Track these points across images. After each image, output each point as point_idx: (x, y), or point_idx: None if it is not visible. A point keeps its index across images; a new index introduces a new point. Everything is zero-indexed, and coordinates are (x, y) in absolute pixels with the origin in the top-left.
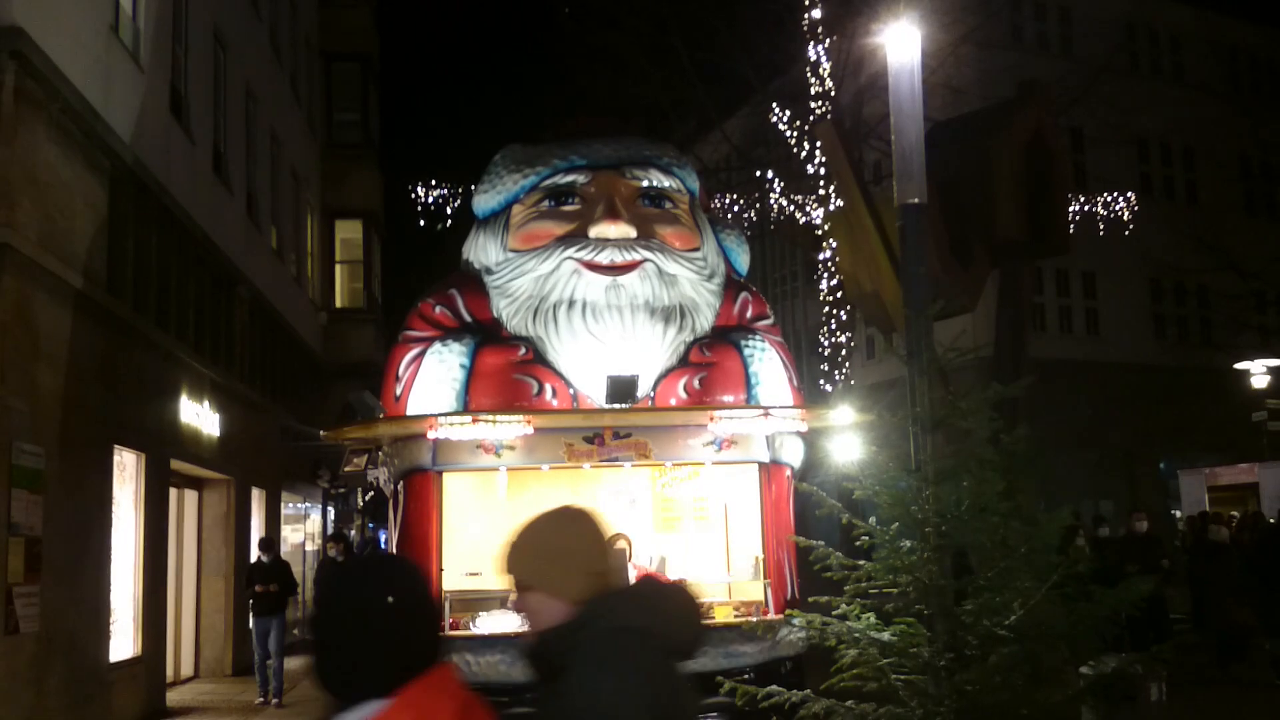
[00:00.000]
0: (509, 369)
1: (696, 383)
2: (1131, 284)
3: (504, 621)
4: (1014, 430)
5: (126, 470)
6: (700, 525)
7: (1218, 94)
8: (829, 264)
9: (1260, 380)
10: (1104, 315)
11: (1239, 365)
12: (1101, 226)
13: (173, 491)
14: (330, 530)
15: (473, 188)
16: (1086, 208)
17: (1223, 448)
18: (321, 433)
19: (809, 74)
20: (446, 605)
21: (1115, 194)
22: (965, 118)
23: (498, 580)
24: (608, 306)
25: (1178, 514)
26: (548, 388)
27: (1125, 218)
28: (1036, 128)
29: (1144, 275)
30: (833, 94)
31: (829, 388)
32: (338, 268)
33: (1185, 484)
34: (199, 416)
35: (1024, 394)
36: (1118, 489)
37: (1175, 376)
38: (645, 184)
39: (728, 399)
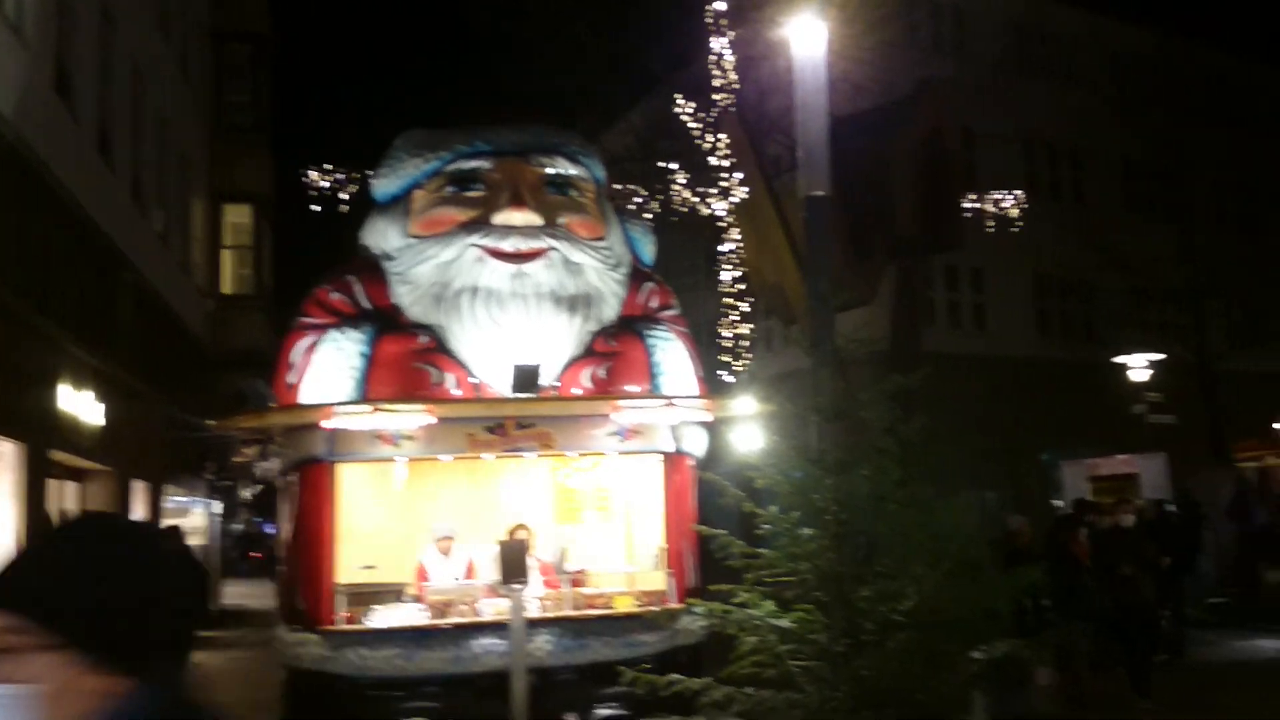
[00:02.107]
0: (409, 357)
1: (601, 373)
2: (1018, 280)
3: (399, 615)
4: (910, 421)
5: (4, 460)
6: (602, 516)
7: (1104, 96)
8: (731, 256)
9: (1140, 374)
10: (991, 310)
11: (1119, 359)
12: (990, 224)
13: (52, 483)
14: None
15: (370, 174)
16: (976, 205)
17: (1104, 440)
18: (210, 422)
19: (712, 66)
20: (341, 599)
21: (1004, 192)
22: (865, 114)
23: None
24: (512, 295)
25: (1059, 504)
26: (449, 377)
27: (1013, 216)
28: (933, 125)
29: (1030, 272)
30: (737, 87)
31: (731, 379)
32: (226, 253)
33: (1067, 475)
34: (80, 406)
35: (920, 386)
36: (1002, 480)
37: (1059, 370)
38: (551, 171)
39: (632, 389)
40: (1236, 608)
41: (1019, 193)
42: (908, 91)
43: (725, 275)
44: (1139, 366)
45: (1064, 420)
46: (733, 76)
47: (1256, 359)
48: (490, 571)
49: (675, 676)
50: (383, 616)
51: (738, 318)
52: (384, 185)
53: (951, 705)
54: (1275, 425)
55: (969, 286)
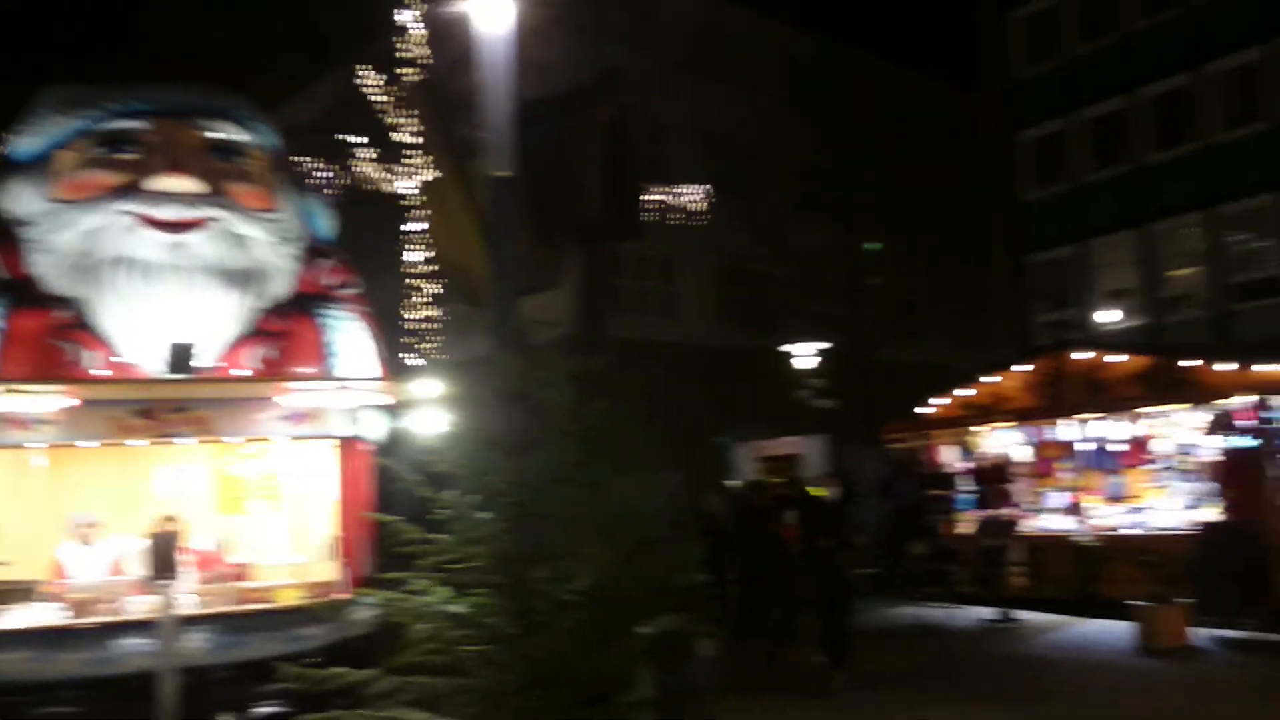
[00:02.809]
0: (46, 333)
1: (268, 353)
2: (702, 271)
3: (33, 615)
4: (592, 403)
5: None
6: (270, 505)
7: (779, 98)
8: (418, 237)
9: (806, 361)
10: (678, 299)
11: (788, 347)
12: (678, 216)
13: None
14: None
15: (8, 132)
16: (665, 197)
17: (775, 423)
18: None
19: (400, 40)
20: None
21: (690, 186)
22: (552, 98)
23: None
24: (166, 267)
25: (733, 484)
26: (92, 355)
27: (697, 209)
28: (617, 114)
29: (713, 263)
30: (426, 62)
31: (419, 362)
32: None
33: (739, 456)
34: None
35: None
36: (684, 461)
37: (739, 358)
38: (216, 136)
39: (303, 370)
40: (886, 578)
41: (705, 187)
42: (594, 78)
43: (412, 256)
44: (805, 355)
45: (742, 404)
46: (423, 52)
47: (906, 349)
48: (139, 567)
49: (339, 669)
50: (16, 617)
51: (426, 300)
52: (24, 144)
53: (619, 681)
54: (919, 410)
55: (658, 276)
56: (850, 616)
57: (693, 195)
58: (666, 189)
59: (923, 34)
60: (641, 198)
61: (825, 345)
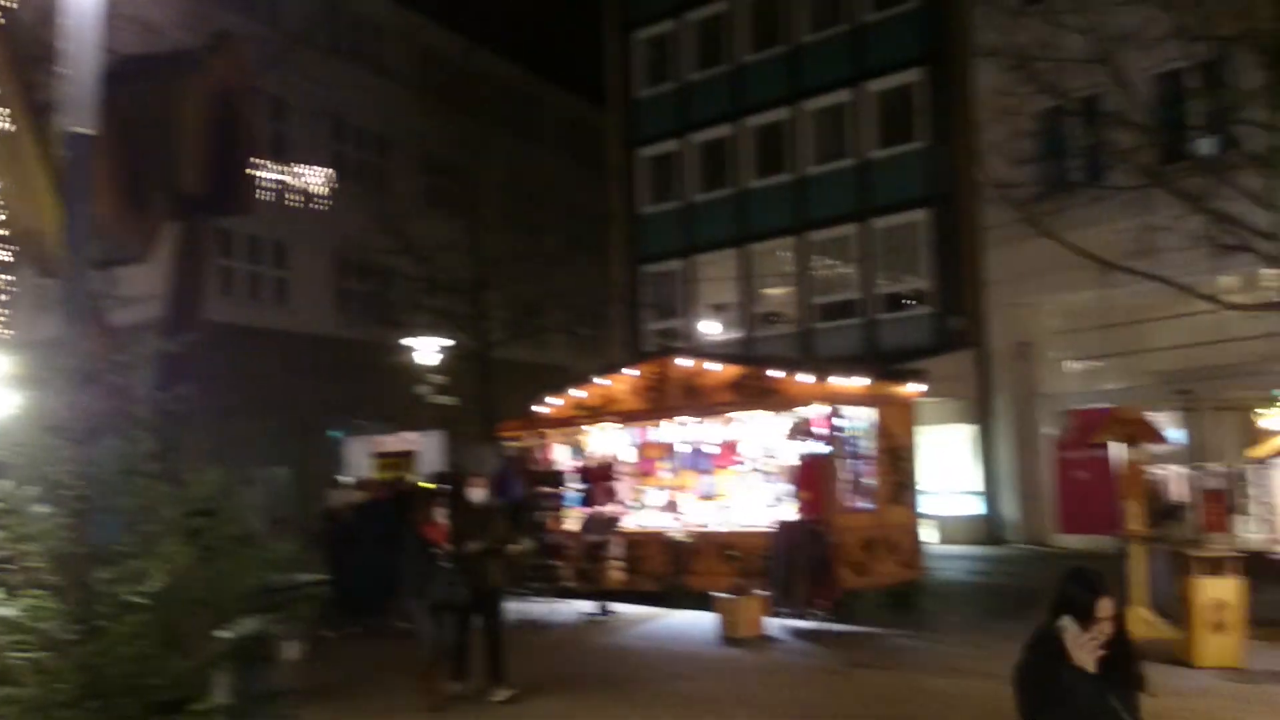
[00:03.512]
0: None
1: None
2: (320, 258)
3: None
4: (175, 389)
5: None
6: None
7: (411, 89)
8: None
9: (426, 357)
10: (293, 285)
11: (409, 341)
12: (295, 198)
13: None
14: None
15: None
16: (281, 176)
17: (392, 418)
18: None
19: None
20: None
21: (309, 167)
22: (153, 56)
23: None
24: None
25: (344, 480)
26: None
27: (318, 192)
28: (228, 82)
29: (332, 250)
30: (10, 5)
31: None
32: None
33: (352, 450)
34: None
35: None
36: (295, 455)
37: (356, 350)
38: None
39: None
40: None
41: (325, 170)
42: (203, 41)
43: None
44: (424, 350)
45: (358, 398)
46: None
47: (526, 349)
48: None
49: None
50: None
51: None
52: None
53: (191, 687)
54: (535, 409)
55: (271, 260)
56: (499, 624)
57: (313, 177)
58: (283, 167)
59: (556, 45)
60: (251, 173)
61: (447, 342)
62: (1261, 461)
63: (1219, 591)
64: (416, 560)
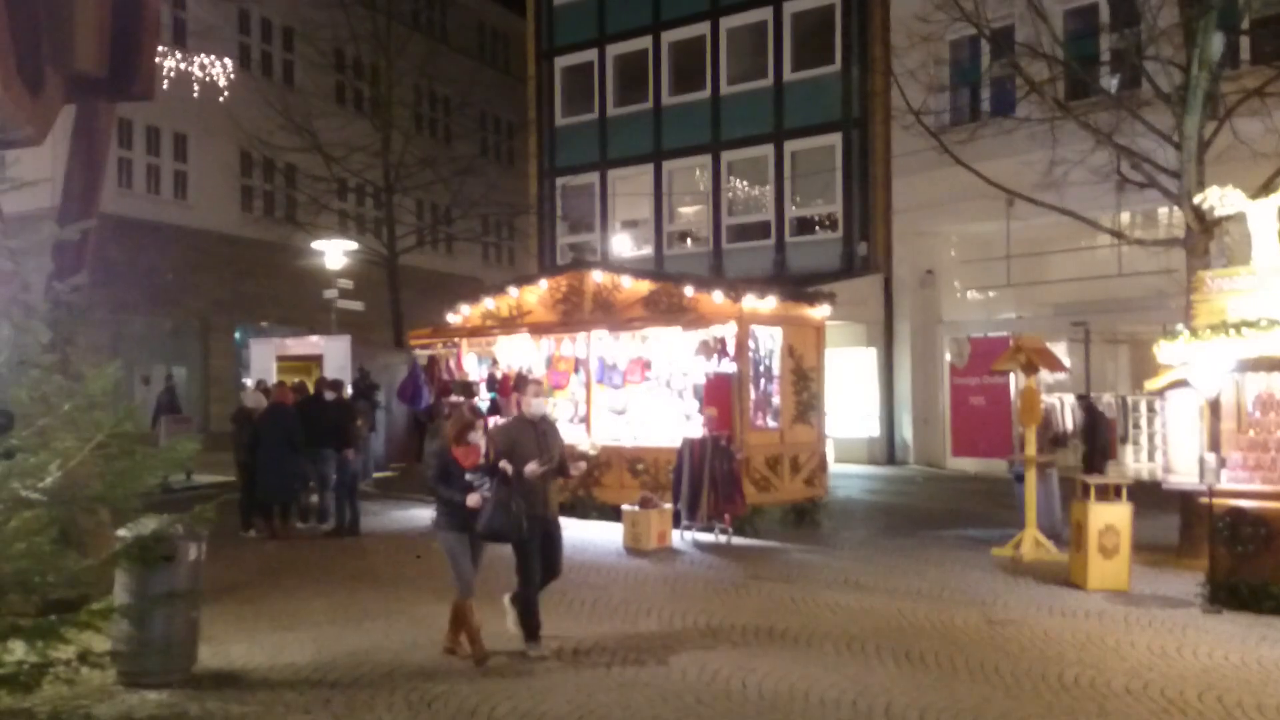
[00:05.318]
0: None
1: None
2: (223, 153)
3: None
4: (71, 279)
5: None
6: None
7: None
8: None
9: (334, 260)
10: (194, 180)
11: (316, 244)
12: (196, 88)
13: None
14: None
15: None
16: (183, 66)
17: (297, 320)
18: None
19: None
20: None
21: (213, 58)
22: None
23: None
24: None
25: (248, 381)
26: None
27: (221, 84)
28: None
29: (236, 146)
30: None
31: None
32: None
33: (256, 353)
34: None
35: (96, 246)
36: (194, 354)
37: (260, 249)
38: None
39: None
40: (401, 480)
41: (229, 61)
42: None
43: None
44: (333, 253)
45: (260, 299)
46: None
47: (437, 258)
48: None
49: None
50: None
51: None
52: None
53: (90, 586)
54: (447, 317)
55: (171, 152)
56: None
57: (216, 67)
58: (185, 55)
59: None
60: (152, 57)
61: (354, 245)
62: (1159, 394)
63: (1109, 517)
64: (451, 485)
